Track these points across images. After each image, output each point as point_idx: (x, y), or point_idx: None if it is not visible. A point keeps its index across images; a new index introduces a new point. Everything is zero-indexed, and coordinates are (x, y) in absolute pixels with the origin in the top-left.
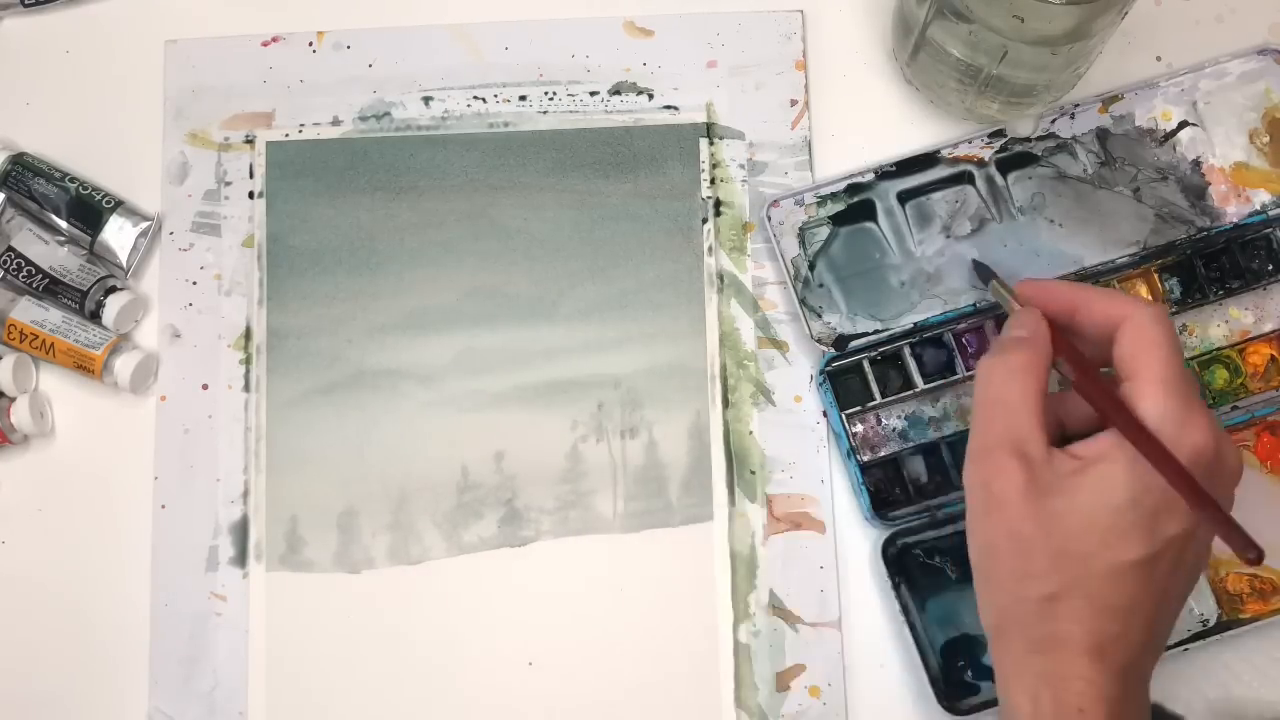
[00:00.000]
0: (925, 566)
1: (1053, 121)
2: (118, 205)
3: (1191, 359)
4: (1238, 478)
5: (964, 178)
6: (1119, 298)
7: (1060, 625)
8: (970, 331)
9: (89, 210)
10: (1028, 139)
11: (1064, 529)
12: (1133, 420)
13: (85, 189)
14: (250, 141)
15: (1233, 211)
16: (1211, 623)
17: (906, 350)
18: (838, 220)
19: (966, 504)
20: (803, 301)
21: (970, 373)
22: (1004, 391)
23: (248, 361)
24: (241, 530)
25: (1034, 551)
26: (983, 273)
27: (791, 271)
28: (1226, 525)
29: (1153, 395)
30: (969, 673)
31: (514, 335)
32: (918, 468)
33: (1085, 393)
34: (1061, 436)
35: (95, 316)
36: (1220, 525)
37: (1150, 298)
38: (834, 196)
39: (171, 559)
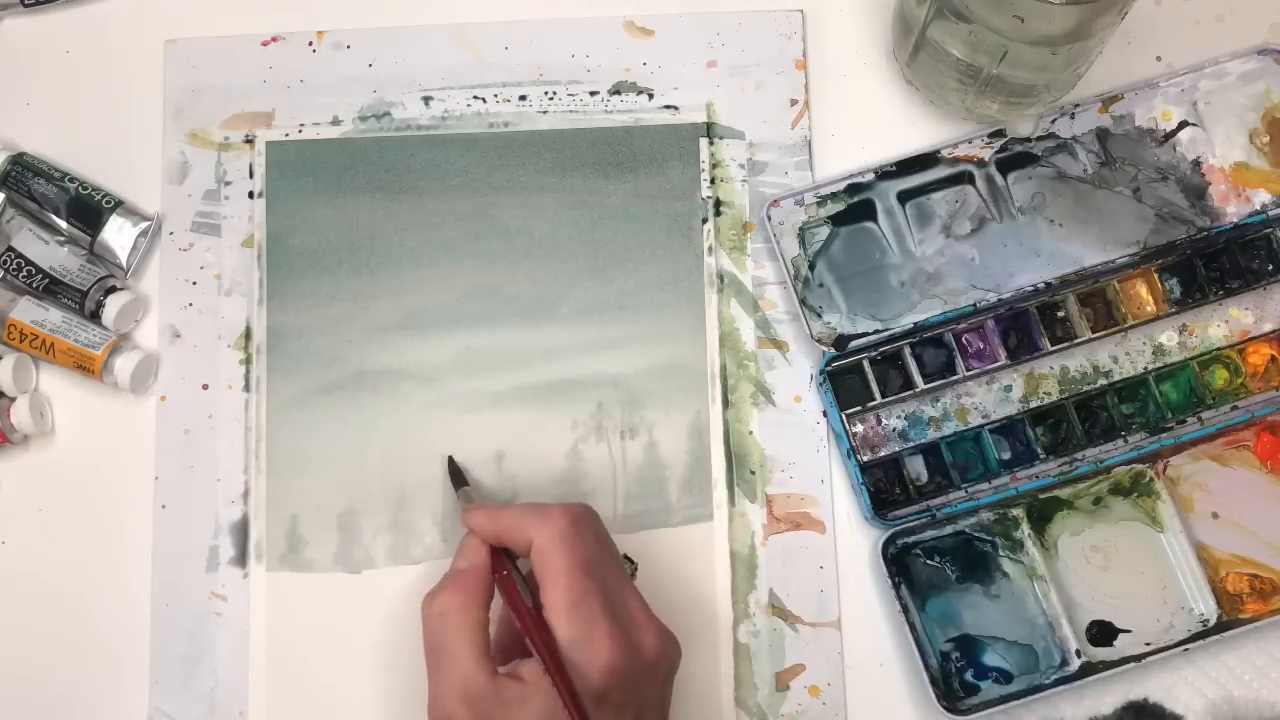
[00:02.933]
0: (925, 566)
1: (1053, 121)
2: (118, 205)
3: (1191, 359)
4: (665, 659)
5: (964, 178)
6: (526, 519)
7: None
8: (970, 331)
9: (89, 210)
10: (1028, 139)
11: None
12: (540, 652)
13: (85, 189)
14: (250, 141)
15: (1233, 211)
16: (1211, 623)
17: (906, 350)
18: (838, 220)
19: None
20: (803, 301)
21: (970, 373)
22: (443, 638)
23: (248, 361)
24: (242, 530)
25: None
26: (455, 478)
27: (791, 271)
28: None
29: (558, 625)
30: (969, 673)
31: (514, 335)
32: (918, 468)
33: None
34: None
35: (95, 316)
36: None
37: (1150, 298)
38: (834, 196)
39: (172, 559)
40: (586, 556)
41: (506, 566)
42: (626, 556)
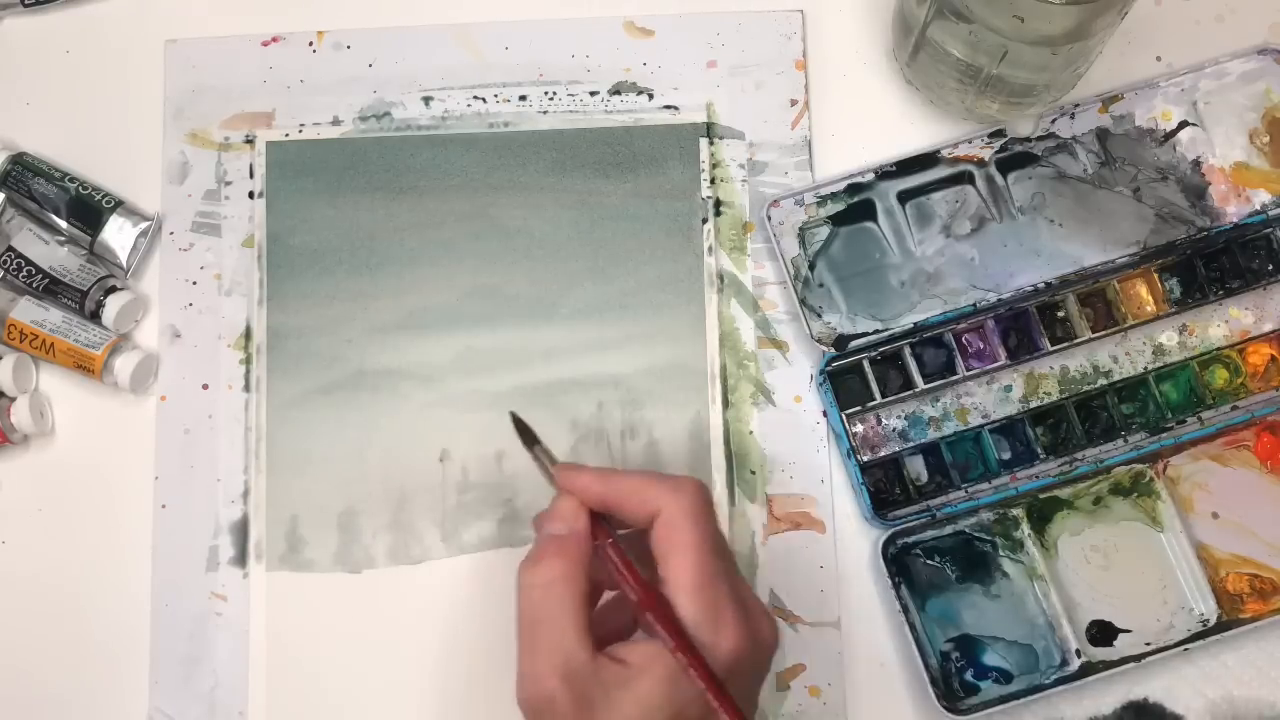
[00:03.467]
0: (925, 566)
1: (1053, 121)
2: (118, 205)
3: (1191, 359)
4: (774, 648)
5: (964, 178)
6: (653, 488)
7: None
8: (970, 331)
9: (89, 210)
10: (1028, 139)
11: None
12: (670, 630)
13: (85, 189)
14: (250, 141)
15: (1233, 211)
16: (1211, 623)
17: (906, 350)
18: (838, 220)
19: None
20: (803, 301)
21: (970, 372)
22: (543, 609)
23: (248, 361)
24: (242, 530)
25: None
26: (525, 436)
27: (791, 271)
28: None
29: (684, 604)
30: (969, 673)
31: (514, 335)
32: (918, 468)
33: (625, 596)
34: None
35: (95, 316)
36: None
37: (1150, 298)
38: (834, 196)
39: (172, 559)
40: (713, 535)
41: (611, 534)
42: None
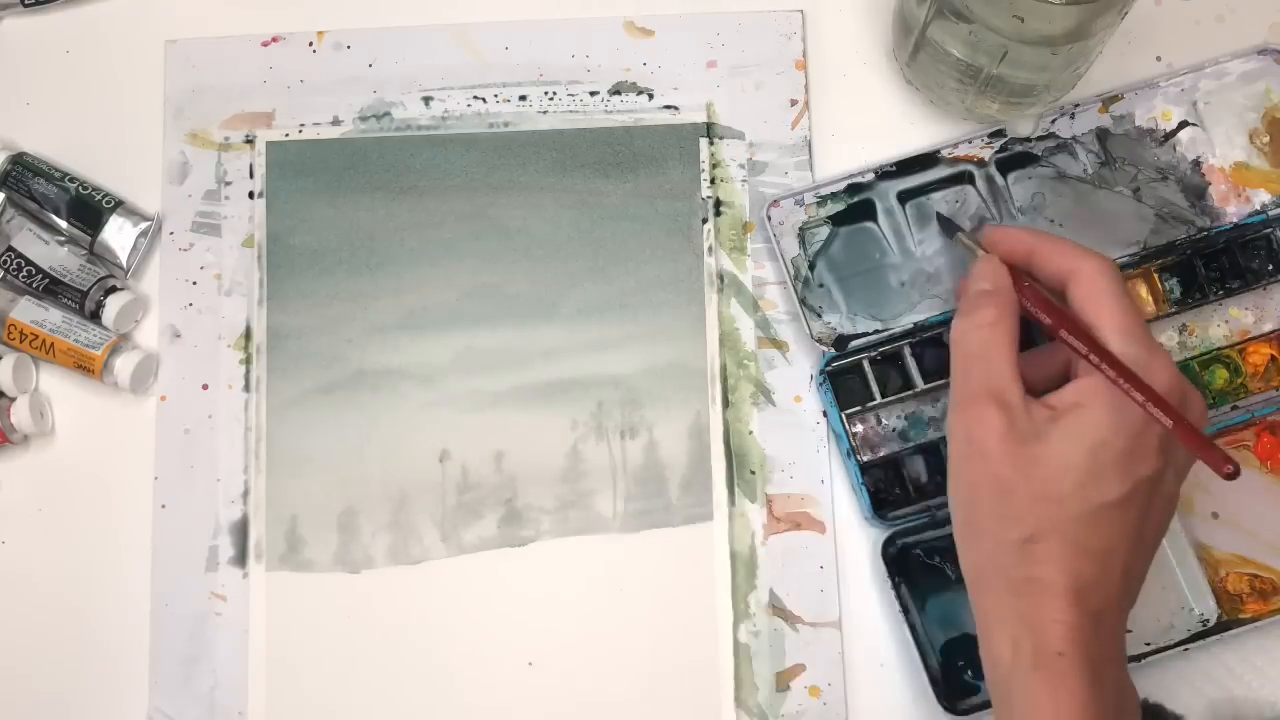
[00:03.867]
0: (925, 566)
1: (1053, 121)
2: (118, 205)
3: (1191, 359)
4: (1204, 419)
5: (964, 178)
6: (1069, 250)
7: (1039, 568)
8: None
9: (89, 210)
10: (1028, 139)
11: (1042, 473)
12: (1108, 355)
13: (85, 189)
14: (250, 141)
15: (1233, 211)
16: (1211, 623)
17: (906, 350)
18: (838, 220)
19: (949, 452)
20: (803, 301)
21: None
22: (979, 347)
23: (248, 361)
24: (241, 530)
25: (1014, 495)
26: (947, 227)
27: (791, 271)
28: (1204, 444)
29: (1115, 342)
30: (969, 673)
31: (514, 335)
32: (918, 468)
33: (1056, 333)
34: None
35: (95, 316)
36: (1198, 445)
37: (1150, 298)
38: (834, 196)
39: (171, 559)
40: (1127, 293)
41: (1029, 279)
42: None
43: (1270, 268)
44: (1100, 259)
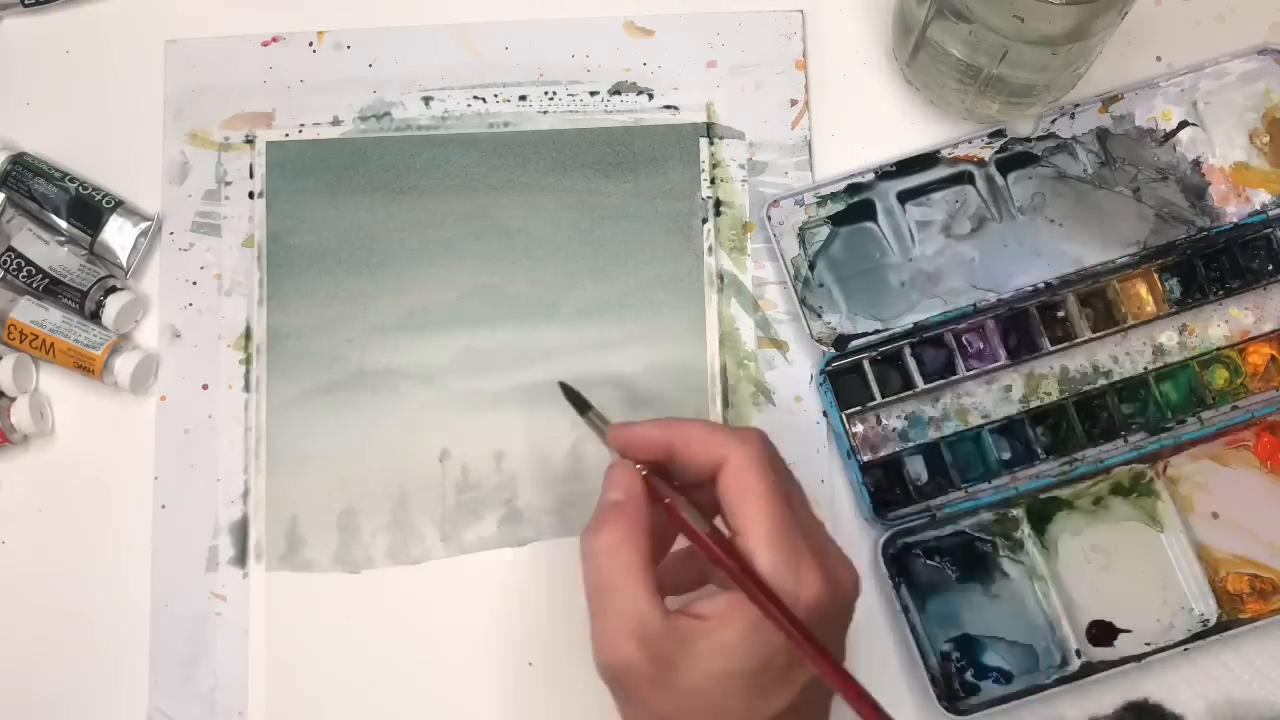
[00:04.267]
0: (925, 566)
1: (1053, 121)
2: (118, 205)
3: (1191, 359)
4: (856, 594)
5: (964, 178)
6: (717, 436)
7: None
8: (970, 331)
9: (89, 210)
10: (1028, 139)
11: (704, 701)
12: (753, 578)
13: (85, 189)
14: (250, 141)
15: (1233, 211)
16: (1211, 623)
17: (906, 350)
18: (838, 220)
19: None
20: (803, 301)
21: (970, 372)
22: (608, 575)
23: (248, 361)
24: (241, 530)
25: None
26: (576, 402)
27: (791, 271)
28: (845, 684)
29: (761, 554)
30: (969, 673)
31: (514, 335)
32: (918, 468)
33: (697, 550)
34: (688, 580)
35: (95, 316)
36: (840, 685)
37: (1150, 298)
38: (834, 196)
39: (171, 559)
40: (782, 481)
41: (668, 493)
42: None
43: (1270, 268)
44: (747, 444)
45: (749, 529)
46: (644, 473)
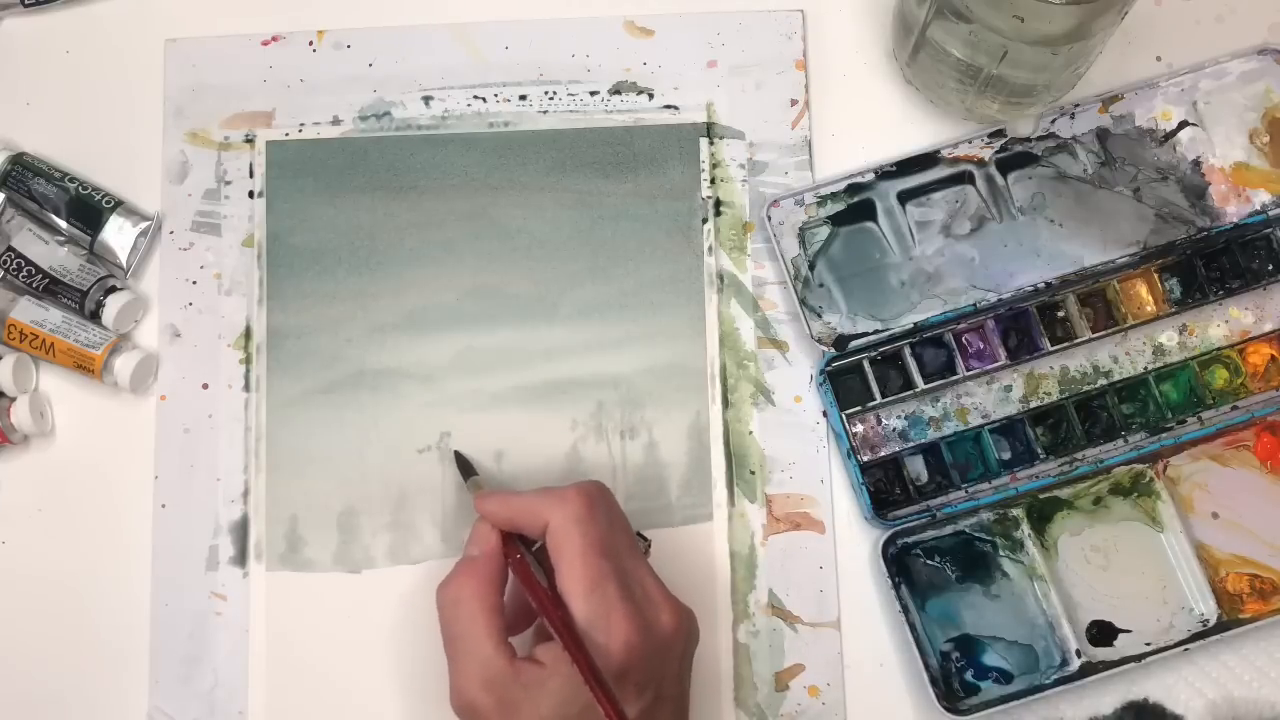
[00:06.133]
0: (925, 566)
1: (1053, 121)
2: (118, 205)
3: (1191, 359)
4: (680, 633)
5: (964, 178)
6: (540, 503)
7: None
8: (970, 331)
9: (89, 210)
10: (1028, 139)
11: None
12: (561, 634)
13: (85, 189)
14: (250, 141)
15: (1233, 211)
16: (1211, 623)
17: (906, 350)
18: (838, 220)
19: None
20: (803, 301)
21: (970, 372)
22: (459, 626)
23: (248, 361)
24: (241, 530)
25: None
26: (464, 469)
27: (791, 271)
28: None
29: (576, 608)
30: (969, 673)
31: (514, 335)
32: (918, 468)
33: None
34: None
35: (95, 316)
36: None
37: (1150, 298)
38: (834, 196)
39: (171, 559)
40: (601, 537)
41: (519, 551)
42: (640, 534)
43: (1270, 268)
44: (565, 505)
45: (566, 585)
46: (500, 531)
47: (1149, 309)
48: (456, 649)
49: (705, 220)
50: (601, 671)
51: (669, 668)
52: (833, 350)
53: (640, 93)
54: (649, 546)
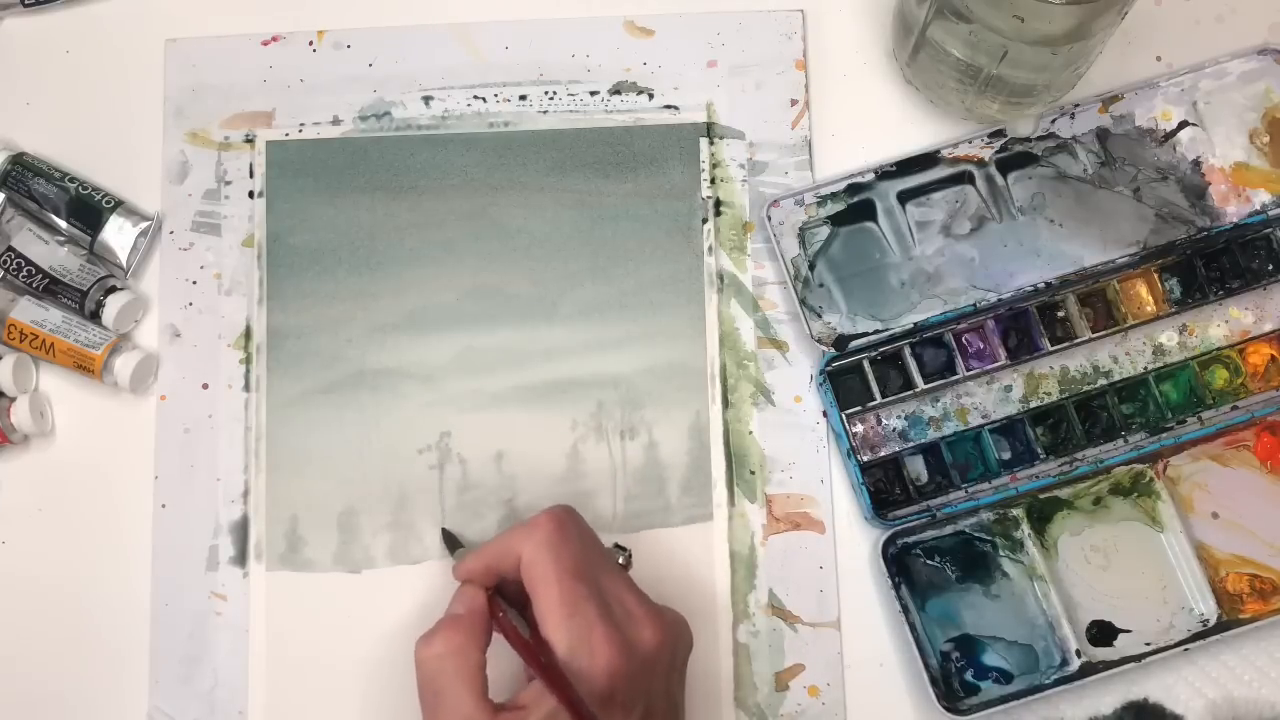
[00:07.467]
0: (925, 566)
1: (1053, 121)
2: (118, 205)
3: (1191, 359)
4: (664, 646)
5: (964, 178)
6: (510, 540)
7: None
8: (970, 331)
9: (89, 210)
10: (1028, 139)
11: None
12: (541, 673)
13: (85, 189)
14: (250, 141)
15: (1233, 211)
16: (1211, 623)
17: (906, 350)
18: (838, 220)
19: None
20: (803, 301)
21: (970, 372)
22: (440, 681)
23: (248, 361)
24: (242, 530)
25: None
26: (451, 545)
27: (791, 271)
28: None
29: (555, 638)
30: (969, 673)
31: (514, 335)
32: (918, 468)
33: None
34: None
35: (95, 316)
36: None
37: (1150, 298)
38: (834, 196)
39: (171, 558)
40: (574, 558)
41: (502, 608)
42: (618, 545)
43: (1270, 268)
44: (533, 534)
45: (544, 617)
46: (489, 592)
47: (1149, 309)
48: (436, 705)
49: (705, 220)
50: (583, 700)
51: (655, 683)
52: (833, 350)
53: (640, 93)
54: (630, 557)
